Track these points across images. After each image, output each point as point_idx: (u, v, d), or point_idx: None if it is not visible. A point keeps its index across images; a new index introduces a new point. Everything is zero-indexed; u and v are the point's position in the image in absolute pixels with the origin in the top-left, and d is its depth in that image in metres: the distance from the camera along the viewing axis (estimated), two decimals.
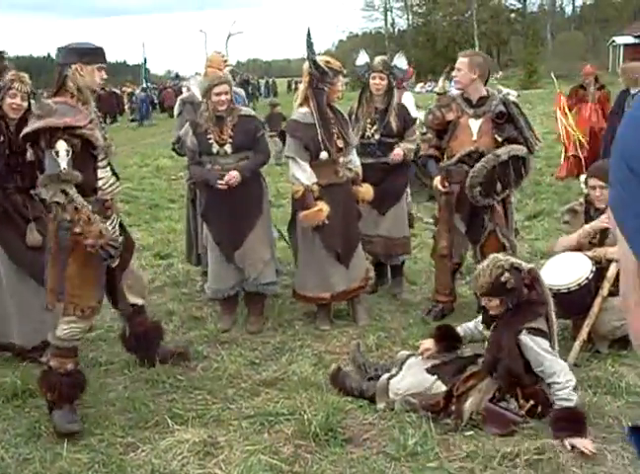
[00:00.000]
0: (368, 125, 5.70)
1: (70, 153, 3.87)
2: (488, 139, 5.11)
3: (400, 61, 5.89)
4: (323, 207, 5.11)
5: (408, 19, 61.14)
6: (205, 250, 5.61)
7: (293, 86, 45.85)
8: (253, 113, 5.55)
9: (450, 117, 5.24)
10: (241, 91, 6.76)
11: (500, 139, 5.08)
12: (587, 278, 4.45)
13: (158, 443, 3.81)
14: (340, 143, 5.14)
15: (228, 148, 5.12)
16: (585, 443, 3.48)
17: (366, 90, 5.76)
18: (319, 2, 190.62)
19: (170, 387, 4.48)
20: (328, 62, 5.11)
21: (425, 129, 5.63)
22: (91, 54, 4.14)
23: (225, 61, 5.80)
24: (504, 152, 4.98)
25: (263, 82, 50.37)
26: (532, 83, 38.22)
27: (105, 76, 4.21)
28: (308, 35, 5.15)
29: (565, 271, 4.54)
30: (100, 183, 4.16)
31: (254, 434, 3.82)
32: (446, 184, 5.22)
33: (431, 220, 6.25)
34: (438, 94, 5.50)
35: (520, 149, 5.04)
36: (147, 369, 4.69)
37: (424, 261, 6.85)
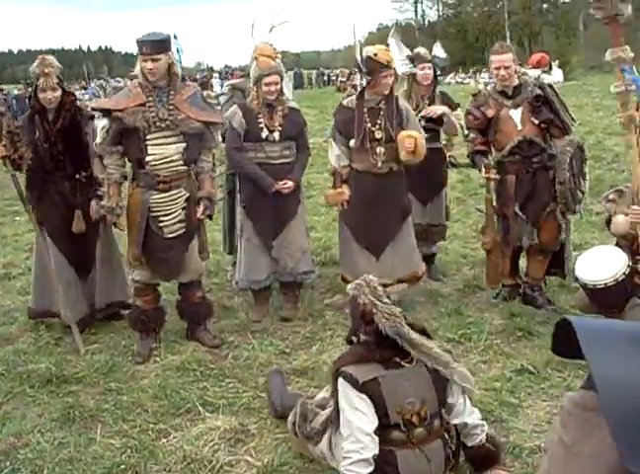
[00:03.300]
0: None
1: (106, 129, 4.61)
2: (532, 126, 5.12)
3: (439, 51, 5.98)
4: (345, 190, 5.25)
5: (438, 10, 60.70)
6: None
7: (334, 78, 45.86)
8: (298, 107, 5.56)
9: (491, 113, 5.24)
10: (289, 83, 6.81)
11: (537, 122, 5.07)
12: (623, 274, 4.38)
13: (189, 430, 3.86)
14: (378, 134, 5.10)
15: (277, 135, 5.17)
16: None
17: (413, 81, 5.85)
18: None
19: (201, 375, 4.52)
20: (375, 55, 5.06)
21: (467, 131, 5.60)
22: (138, 45, 4.57)
23: (276, 51, 5.82)
24: (566, 150, 5.00)
25: (291, 74, 50.33)
26: (565, 75, 37.74)
27: (149, 66, 4.53)
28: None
29: (601, 265, 4.48)
30: (148, 158, 4.57)
31: (284, 423, 3.83)
32: (496, 173, 5.22)
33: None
34: (472, 95, 5.46)
35: (575, 140, 5.11)
36: (178, 357, 4.76)
37: (455, 252, 6.84)
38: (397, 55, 5.63)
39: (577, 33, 51.92)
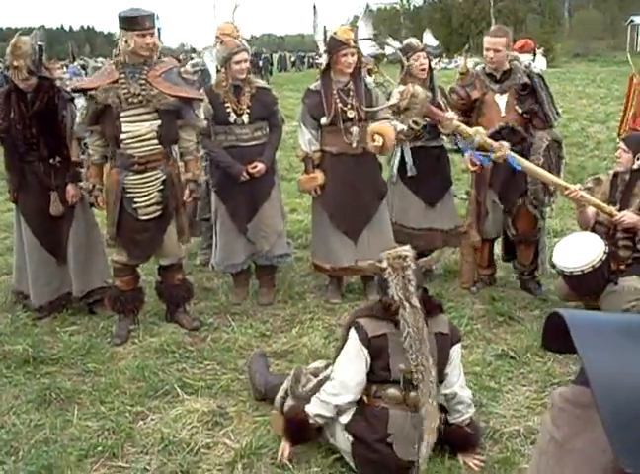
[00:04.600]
0: None
1: (84, 109, 4.58)
2: (516, 114, 5.06)
3: (429, 39, 5.69)
4: (318, 175, 5.17)
5: None
6: (210, 225, 5.58)
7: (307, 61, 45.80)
8: (268, 86, 5.49)
9: (476, 94, 5.15)
10: None
11: (520, 110, 5.02)
12: (600, 260, 4.40)
13: (167, 412, 3.83)
14: (350, 113, 5.04)
15: (245, 118, 5.09)
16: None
17: (405, 72, 5.43)
18: None
19: (180, 357, 4.48)
20: (335, 33, 5.02)
21: (449, 110, 5.50)
22: (128, 21, 4.45)
23: (237, 29, 5.73)
24: (544, 137, 4.97)
25: (276, 57, 50.06)
26: (549, 62, 37.85)
27: (148, 41, 4.47)
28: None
29: (577, 252, 4.49)
30: (123, 136, 4.51)
31: (263, 405, 3.82)
32: (475, 161, 5.07)
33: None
34: (460, 74, 5.33)
35: (555, 134, 5.05)
36: (157, 339, 4.71)
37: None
38: (365, 37, 5.40)
39: (561, 20, 52.05)
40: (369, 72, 5.85)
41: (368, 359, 3.16)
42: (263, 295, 5.44)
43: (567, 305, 4.96)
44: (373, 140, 4.84)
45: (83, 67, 22.61)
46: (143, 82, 4.51)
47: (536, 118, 5.06)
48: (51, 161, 4.98)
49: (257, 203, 5.25)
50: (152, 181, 4.63)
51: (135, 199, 4.63)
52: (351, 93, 5.08)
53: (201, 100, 4.83)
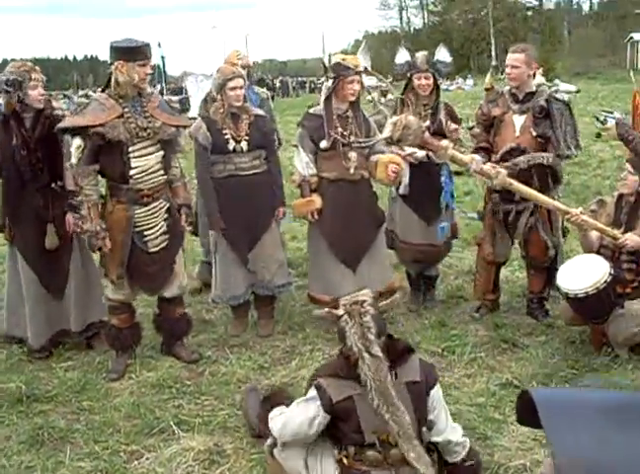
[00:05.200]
0: None
1: (82, 148, 4.34)
2: (530, 137, 4.96)
3: (443, 55, 5.49)
4: (315, 199, 5.06)
5: (423, 17, 61.07)
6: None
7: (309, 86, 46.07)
8: (264, 113, 5.43)
9: (496, 112, 5.11)
10: (262, 91, 6.66)
11: (534, 134, 4.93)
12: (605, 282, 4.30)
13: (163, 451, 3.73)
14: (349, 138, 4.99)
15: (244, 145, 5.01)
16: None
17: (410, 89, 5.39)
18: (335, 2, 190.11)
19: (177, 392, 4.38)
20: (344, 59, 4.97)
21: (472, 124, 5.45)
22: (130, 52, 4.35)
23: (239, 57, 5.68)
24: (523, 161, 4.85)
25: (277, 82, 50.30)
26: (549, 81, 37.92)
27: (149, 71, 4.44)
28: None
29: (582, 274, 4.39)
30: (132, 172, 4.42)
31: (260, 442, 3.70)
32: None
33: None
34: (485, 89, 5.27)
35: (542, 157, 4.88)
36: (154, 374, 4.61)
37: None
38: (365, 68, 5.28)
39: (561, 39, 52.28)
40: (384, 94, 5.76)
41: (324, 423, 3.00)
42: (262, 327, 5.34)
43: (571, 330, 4.86)
44: (388, 174, 4.85)
45: (87, 96, 22.79)
46: (148, 115, 4.46)
47: (549, 143, 4.94)
48: (52, 185, 4.87)
49: (257, 233, 5.16)
50: (158, 211, 4.59)
51: (144, 232, 4.56)
52: (350, 120, 5.04)
53: (188, 126, 4.88)
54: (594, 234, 4.71)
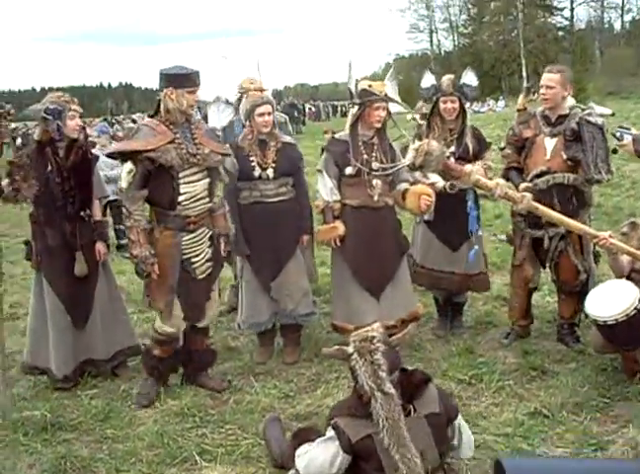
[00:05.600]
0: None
1: (133, 173, 4.41)
2: (560, 160, 4.89)
3: (469, 78, 5.44)
4: (339, 226, 5.01)
5: (454, 40, 60.95)
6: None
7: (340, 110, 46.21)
8: (294, 141, 5.43)
9: (528, 134, 5.07)
10: (280, 115, 6.66)
11: (564, 157, 4.86)
12: (635, 308, 4.18)
13: None
14: (375, 166, 4.96)
15: (270, 172, 5.01)
16: None
17: (436, 113, 5.35)
18: (366, 26, 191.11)
19: (200, 421, 4.35)
20: (370, 86, 4.94)
21: (503, 144, 5.39)
22: (180, 79, 4.38)
23: (251, 82, 5.70)
24: (542, 180, 4.78)
25: (307, 106, 50.56)
26: (581, 101, 37.55)
27: (198, 98, 4.49)
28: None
29: (611, 300, 4.28)
30: (181, 198, 4.42)
31: (284, 472, 3.65)
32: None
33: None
34: (517, 110, 5.22)
35: (562, 177, 4.83)
36: (178, 402, 4.59)
37: None
38: (392, 95, 5.28)
39: (593, 59, 51.84)
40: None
41: (345, 463, 2.98)
42: (288, 354, 5.30)
43: (602, 357, 4.74)
44: (421, 205, 4.81)
45: (116, 123, 23.08)
46: (197, 141, 4.49)
47: (580, 167, 4.85)
48: (82, 214, 4.93)
49: (282, 262, 5.14)
50: (203, 238, 4.61)
51: (192, 259, 4.58)
52: (375, 147, 5.00)
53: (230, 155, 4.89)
54: (625, 258, 4.60)
